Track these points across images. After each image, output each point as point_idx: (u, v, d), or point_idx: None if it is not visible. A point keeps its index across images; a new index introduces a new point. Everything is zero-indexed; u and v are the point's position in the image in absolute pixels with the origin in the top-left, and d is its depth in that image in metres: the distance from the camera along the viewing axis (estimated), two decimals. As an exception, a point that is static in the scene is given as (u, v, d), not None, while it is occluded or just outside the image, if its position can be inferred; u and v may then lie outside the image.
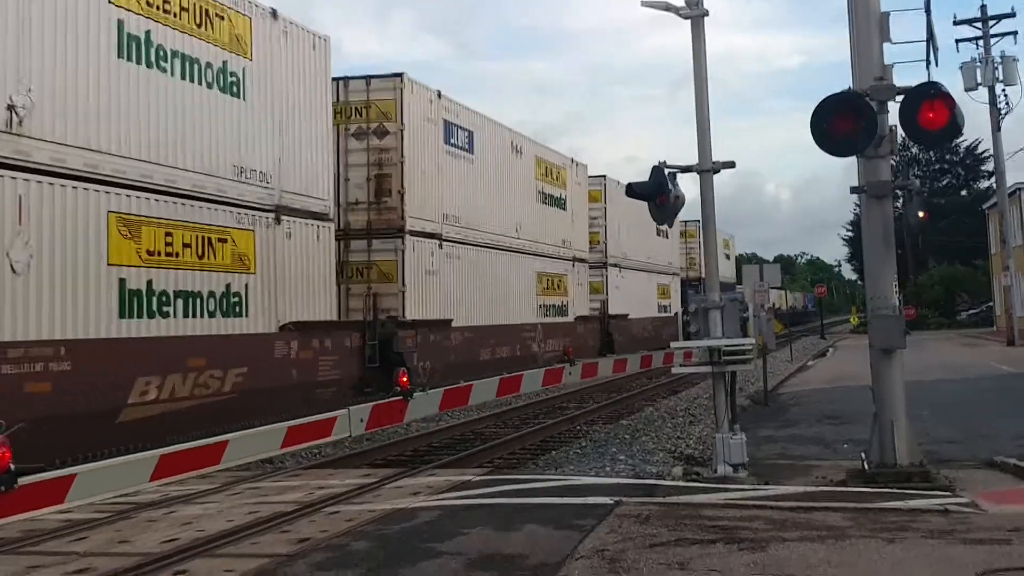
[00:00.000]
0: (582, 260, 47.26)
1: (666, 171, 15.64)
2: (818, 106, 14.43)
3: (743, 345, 15.17)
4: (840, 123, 14.36)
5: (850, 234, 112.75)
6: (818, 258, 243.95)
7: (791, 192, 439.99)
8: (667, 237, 61.37)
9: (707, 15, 15.61)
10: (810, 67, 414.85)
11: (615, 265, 52.46)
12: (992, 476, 15.40)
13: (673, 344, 16.34)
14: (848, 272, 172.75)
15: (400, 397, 18.04)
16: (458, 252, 32.96)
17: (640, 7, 15.56)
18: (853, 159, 15.68)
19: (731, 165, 15.69)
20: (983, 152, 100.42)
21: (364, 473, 16.29)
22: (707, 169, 15.57)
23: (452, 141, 33.03)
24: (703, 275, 49.50)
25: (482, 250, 35.09)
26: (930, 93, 14.23)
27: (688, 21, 15.72)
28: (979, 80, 52.00)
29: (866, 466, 15.10)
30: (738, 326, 15.40)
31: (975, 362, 42.23)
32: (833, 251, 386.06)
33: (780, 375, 41.07)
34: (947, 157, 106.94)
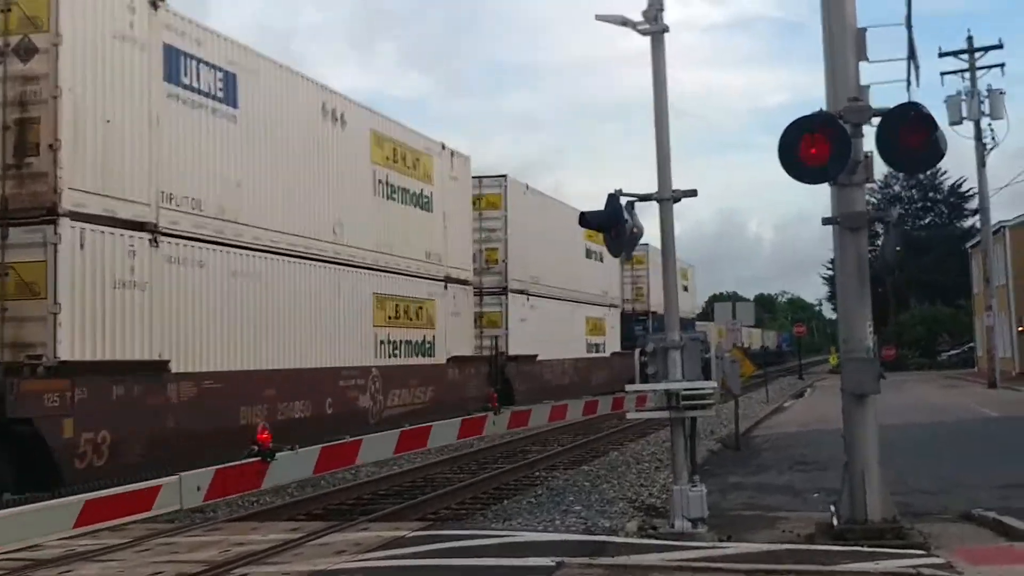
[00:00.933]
0: (461, 282, 37.52)
1: (623, 199, 14.47)
2: (787, 129, 13.31)
3: (704, 389, 13.93)
4: (811, 147, 13.23)
5: (830, 272, 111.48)
6: (799, 297, 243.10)
7: (774, 230, 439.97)
8: (600, 260, 50.49)
9: (667, 31, 14.44)
10: (795, 103, 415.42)
11: (520, 291, 41.55)
12: (970, 531, 14.49)
13: (628, 387, 15.06)
14: (829, 311, 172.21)
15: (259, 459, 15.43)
16: (198, 256, 22.60)
17: (620, 42, 14.39)
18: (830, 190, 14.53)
19: (692, 193, 14.52)
20: (968, 190, 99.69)
21: (291, 527, 14.96)
22: (667, 198, 14.39)
23: (185, 81, 22.48)
24: (652, 308, 50.80)
25: (262, 257, 25.03)
26: (910, 115, 13.14)
27: (648, 38, 14.53)
28: (964, 114, 50.49)
29: (835, 521, 14.07)
30: (699, 368, 14.18)
31: (955, 404, 41.20)
32: (815, 290, 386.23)
33: (754, 417, 39.95)
34: (930, 195, 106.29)
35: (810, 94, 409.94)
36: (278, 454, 15.09)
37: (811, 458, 25.04)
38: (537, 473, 23.48)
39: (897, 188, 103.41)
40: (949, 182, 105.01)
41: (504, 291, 40.05)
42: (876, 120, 13.47)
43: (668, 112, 14.52)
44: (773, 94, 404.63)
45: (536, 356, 40.81)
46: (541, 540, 13.49)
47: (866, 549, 12.62)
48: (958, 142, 51.62)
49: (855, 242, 14.04)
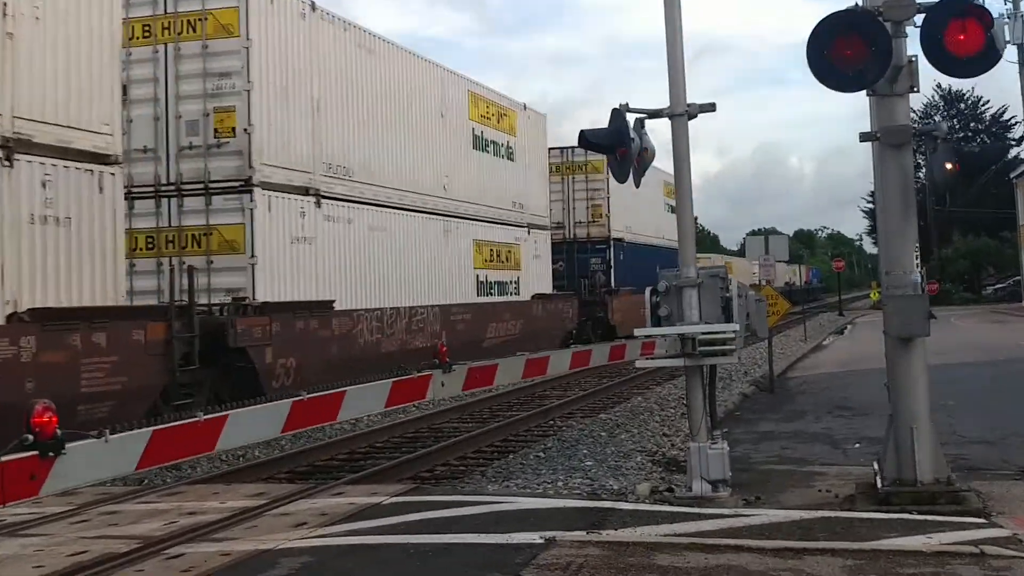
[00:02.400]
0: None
1: (630, 116, 12.58)
2: (817, 27, 11.35)
3: (724, 332, 12.08)
4: (845, 49, 11.26)
5: (870, 205, 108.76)
6: (839, 232, 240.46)
7: (814, 165, 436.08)
8: (509, 158, 38.91)
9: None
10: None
11: (302, 190, 25.07)
12: (1036, 491, 12.56)
13: (637, 331, 13.17)
14: (869, 246, 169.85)
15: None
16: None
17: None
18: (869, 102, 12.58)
19: (710, 108, 12.60)
20: (1011, 119, 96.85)
21: (258, 491, 13.19)
22: (680, 113, 12.48)
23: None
24: (614, 234, 48.81)
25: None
26: (960, 8, 11.13)
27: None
28: (1008, 38, 48.41)
29: (879, 481, 12.17)
30: (719, 308, 12.33)
31: (1004, 341, 39.31)
32: (855, 225, 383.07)
33: (791, 356, 38.28)
34: (971, 126, 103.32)
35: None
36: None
37: (851, 401, 23.48)
38: (551, 422, 21.74)
39: (938, 118, 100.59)
40: (991, 111, 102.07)
41: (247, 187, 23.15)
42: (921, 17, 11.51)
43: (681, 13, 12.60)
44: (806, 28, 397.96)
45: (332, 303, 25.47)
46: (536, 507, 11.69)
47: (915, 517, 10.87)
48: (1000, 69, 49.13)
49: (898, 161, 12.10)
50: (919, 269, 12.30)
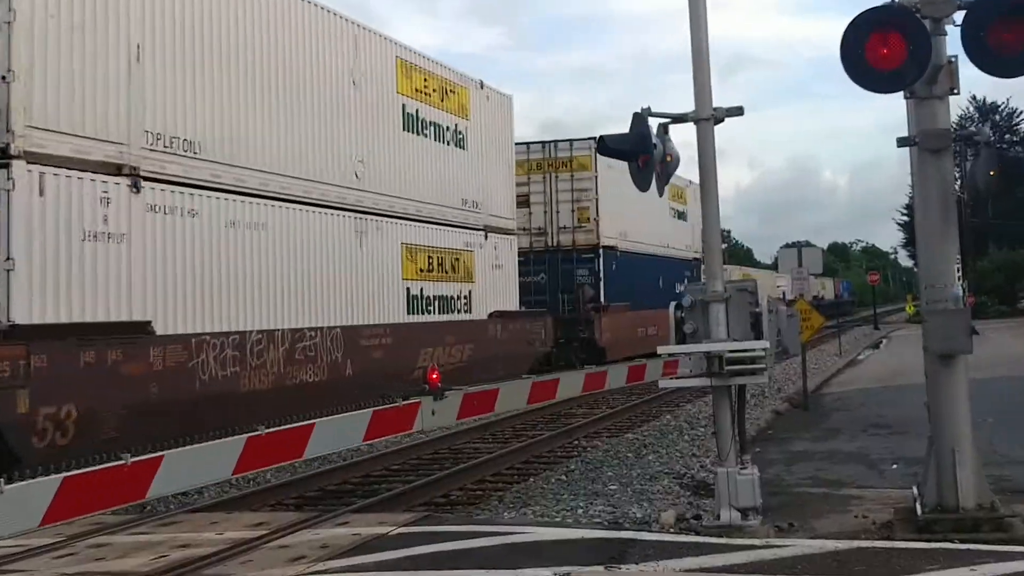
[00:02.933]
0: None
1: (653, 121, 11.87)
2: (852, 24, 10.60)
3: (754, 350, 11.32)
4: (881, 48, 10.51)
5: (905, 218, 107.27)
6: (873, 245, 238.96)
7: (847, 178, 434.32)
8: (460, 145, 32.75)
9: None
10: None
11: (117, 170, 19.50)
12: (1088, 515, 11.79)
13: (661, 349, 12.40)
14: (904, 259, 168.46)
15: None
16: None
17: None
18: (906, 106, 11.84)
19: (738, 112, 11.86)
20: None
21: (259, 520, 12.47)
22: (706, 118, 11.74)
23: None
24: (603, 242, 42.83)
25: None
26: (1006, 4, 10.37)
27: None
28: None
29: (919, 507, 11.40)
30: (748, 324, 11.58)
31: (1043, 356, 38.24)
32: (890, 238, 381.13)
33: (826, 371, 37.41)
34: (1006, 137, 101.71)
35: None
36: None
37: (888, 419, 22.75)
38: (576, 442, 20.96)
39: (972, 128, 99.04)
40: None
41: (3, 158, 17.23)
42: (962, 15, 10.77)
43: (706, 12, 11.87)
44: (837, 41, 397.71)
45: (149, 324, 19.52)
46: (552, 539, 10.95)
47: (958, 547, 10.17)
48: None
49: (937, 167, 11.35)
50: (960, 282, 11.50)
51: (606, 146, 11.89)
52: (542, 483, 16.15)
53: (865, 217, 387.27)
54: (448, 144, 31.41)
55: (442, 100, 31.21)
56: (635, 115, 11.69)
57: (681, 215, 53.94)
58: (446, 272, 30.79)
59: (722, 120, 11.83)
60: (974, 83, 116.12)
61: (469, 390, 16.59)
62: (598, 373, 23.19)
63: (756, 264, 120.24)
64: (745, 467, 11.56)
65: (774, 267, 66.36)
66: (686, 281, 45.66)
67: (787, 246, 32.98)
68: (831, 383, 33.84)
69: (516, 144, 39.45)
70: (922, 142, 11.31)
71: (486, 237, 33.74)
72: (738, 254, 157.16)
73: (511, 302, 35.65)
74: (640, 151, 11.64)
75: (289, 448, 12.37)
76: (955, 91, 11.41)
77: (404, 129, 28.93)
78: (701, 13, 11.85)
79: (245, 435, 12.04)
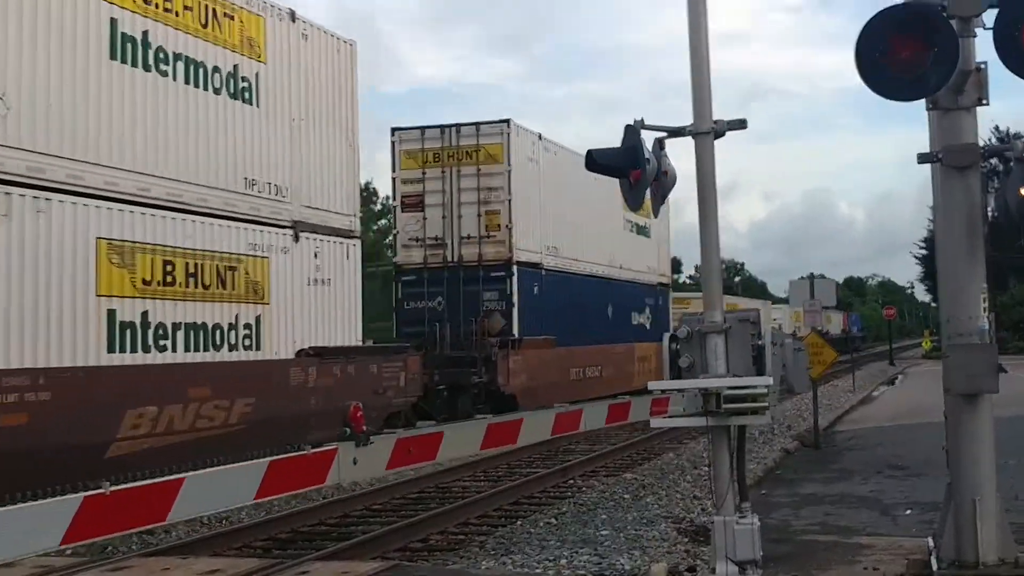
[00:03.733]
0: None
1: (647, 134, 10.74)
2: (868, 24, 9.48)
3: (754, 388, 10.16)
4: (902, 50, 9.40)
5: (923, 251, 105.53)
6: (890, 279, 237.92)
7: (864, 211, 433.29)
8: (247, 99, 20.89)
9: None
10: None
11: None
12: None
13: (652, 384, 11.21)
14: (921, 294, 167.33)
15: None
16: None
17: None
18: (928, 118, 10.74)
19: (741, 125, 10.71)
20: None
21: (211, 568, 11.29)
22: (705, 131, 10.59)
23: None
24: (518, 256, 31.53)
25: None
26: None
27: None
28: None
29: (935, 561, 10.39)
30: (749, 358, 10.42)
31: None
32: (906, 273, 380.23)
33: (839, 408, 36.29)
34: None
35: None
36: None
37: (904, 460, 21.71)
38: (571, 481, 19.79)
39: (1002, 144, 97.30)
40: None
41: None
42: (993, 14, 9.66)
43: (707, 16, 10.75)
44: (856, 74, 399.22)
45: None
46: (527, 596, 9.83)
47: (979, 610, 9.04)
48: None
49: (964, 186, 10.22)
50: (986, 315, 10.32)
51: (594, 161, 10.72)
52: (529, 527, 14.98)
53: (882, 251, 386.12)
54: (217, 92, 20.03)
55: (207, 26, 19.82)
56: (627, 127, 10.56)
57: (642, 230, 42.41)
58: (206, 288, 19.31)
59: (723, 134, 10.69)
60: (997, 115, 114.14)
61: (405, 435, 14.03)
62: (572, 413, 19.26)
63: (772, 298, 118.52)
64: (744, 516, 10.40)
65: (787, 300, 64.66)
66: (648, 311, 42.87)
67: (800, 279, 31.64)
68: (844, 420, 32.74)
69: (407, 129, 32.78)
70: (946, 158, 10.19)
71: (296, 238, 21.93)
72: (752, 287, 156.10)
73: (348, 334, 23.58)
74: (631, 166, 10.49)
75: (151, 509, 10.31)
76: (984, 101, 10.29)
77: (113, 58, 17.61)
78: (701, 19, 10.74)
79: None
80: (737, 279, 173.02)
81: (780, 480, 20.24)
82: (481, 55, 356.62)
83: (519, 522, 15.50)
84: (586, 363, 35.30)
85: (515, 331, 31.48)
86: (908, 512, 15.76)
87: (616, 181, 10.96)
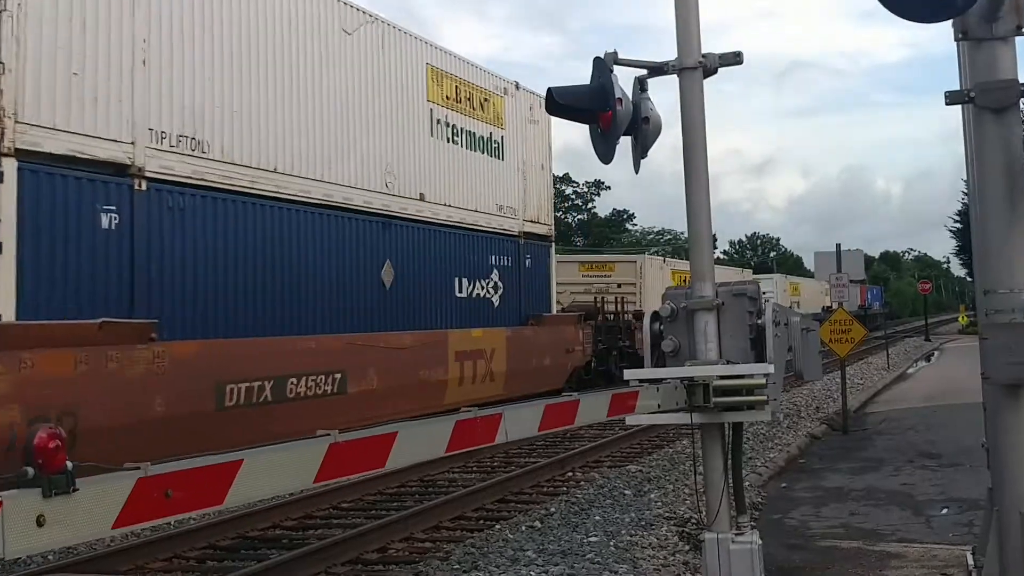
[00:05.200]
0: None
1: (622, 70, 8.93)
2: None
3: (752, 376, 8.36)
4: (926, -39, 7.55)
5: (958, 225, 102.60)
6: (926, 255, 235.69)
7: (901, 187, 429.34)
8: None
9: None
10: (916, 58, 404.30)
11: None
12: None
13: (628, 373, 9.34)
14: (956, 269, 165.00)
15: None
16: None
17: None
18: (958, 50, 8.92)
19: (735, 60, 8.89)
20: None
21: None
22: (691, 66, 8.78)
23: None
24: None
25: None
26: None
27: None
28: None
29: (975, 577, 8.52)
30: (747, 341, 8.62)
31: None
32: (942, 248, 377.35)
33: (871, 387, 34.48)
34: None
35: (932, 49, 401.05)
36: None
37: (939, 447, 20.04)
38: (569, 473, 17.99)
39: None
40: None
41: None
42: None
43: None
44: (893, 50, 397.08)
45: None
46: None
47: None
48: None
49: (1001, 131, 8.32)
50: (1032, 285, 8.43)
51: (555, 103, 8.82)
52: (508, 532, 13.11)
53: (918, 226, 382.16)
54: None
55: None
56: (596, 60, 8.74)
57: (487, 146, 27.82)
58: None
59: (714, 71, 8.87)
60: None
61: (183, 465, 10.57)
62: (490, 417, 16.88)
63: (806, 274, 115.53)
64: (742, 533, 8.62)
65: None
66: (495, 278, 27.33)
67: (826, 252, 29.41)
68: (876, 400, 30.93)
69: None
70: (979, 98, 8.32)
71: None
72: (787, 262, 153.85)
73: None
74: (600, 107, 8.67)
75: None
76: (1021, 31, 8.44)
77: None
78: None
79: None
80: (773, 254, 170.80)
81: (803, 471, 18.52)
82: (515, 33, 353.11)
83: (498, 526, 13.68)
84: (269, 370, 17.88)
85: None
86: (944, 511, 14.11)
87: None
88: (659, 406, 8.05)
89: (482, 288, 26.46)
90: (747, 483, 15.74)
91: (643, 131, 9.10)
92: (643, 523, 13.33)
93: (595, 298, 37.26)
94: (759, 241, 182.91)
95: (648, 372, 8.67)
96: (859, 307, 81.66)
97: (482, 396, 22.94)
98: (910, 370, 44.13)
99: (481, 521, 14.16)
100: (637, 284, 40.38)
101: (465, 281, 25.59)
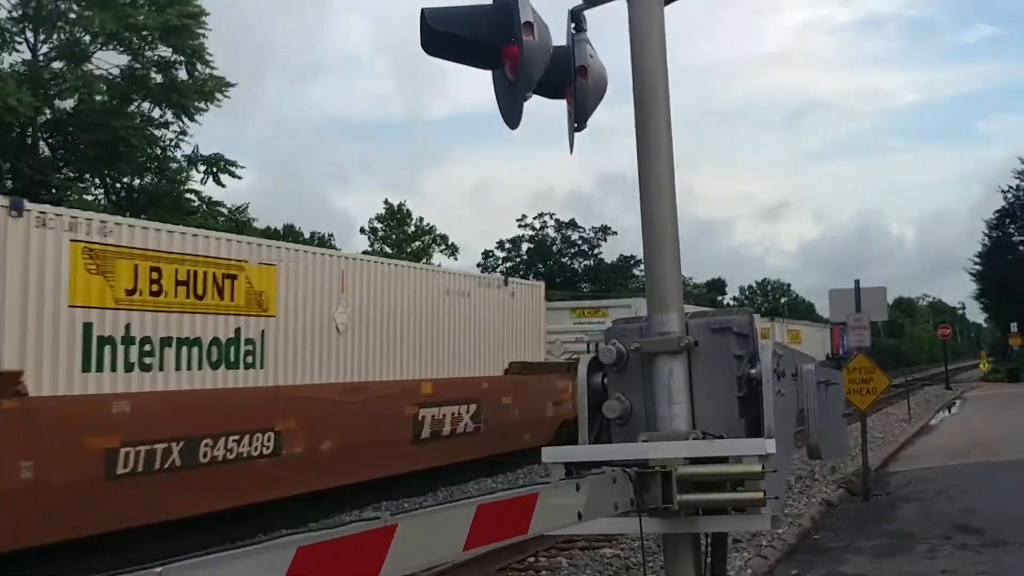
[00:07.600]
0: None
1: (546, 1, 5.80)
2: None
3: (740, 461, 5.19)
4: None
5: (977, 267, 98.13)
6: (940, 300, 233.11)
7: (914, 231, 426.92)
8: None
9: None
10: (926, 103, 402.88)
11: None
12: None
13: (547, 452, 6.05)
14: (973, 314, 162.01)
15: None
16: None
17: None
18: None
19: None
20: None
21: None
22: (644, -18, 5.67)
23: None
24: None
25: None
26: None
27: None
28: None
29: None
30: (734, 401, 5.48)
31: None
32: (957, 293, 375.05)
33: (893, 441, 31.21)
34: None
35: (940, 93, 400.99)
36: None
37: (978, 515, 17.05)
38: (531, 560, 14.82)
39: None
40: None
41: None
42: None
43: None
44: (903, 94, 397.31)
45: None
46: None
47: None
48: None
49: None
50: None
51: (431, 31, 5.65)
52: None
53: (932, 271, 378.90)
54: None
55: None
56: (497, -31, 5.64)
57: None
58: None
59: (675, -4, 5.79)
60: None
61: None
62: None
63: (819, 320, 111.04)
64: None
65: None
66: None
67: (841, 290, 25.87)
68: (899, 457, 27.66)
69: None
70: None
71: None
72: (799, 308, 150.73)
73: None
74: (501, 40, 5.54)
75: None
76: None
77: None
78: None
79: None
80: (783, 300, 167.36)
81: (818, 551, 15.32)
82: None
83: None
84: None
85: None
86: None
87: None
88: (580, 514, 4.80)
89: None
90: (749, 572, 12.58)
91: (580, 87, 6.04)
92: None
93: (588, 346, 34.06)
94: (769, 287, 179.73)
95: (574, 452, 5.51)
96: (831, 356, 67.53)
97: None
98: (932, 421, 40.90)
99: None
100: (634, 330, 37.45)
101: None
